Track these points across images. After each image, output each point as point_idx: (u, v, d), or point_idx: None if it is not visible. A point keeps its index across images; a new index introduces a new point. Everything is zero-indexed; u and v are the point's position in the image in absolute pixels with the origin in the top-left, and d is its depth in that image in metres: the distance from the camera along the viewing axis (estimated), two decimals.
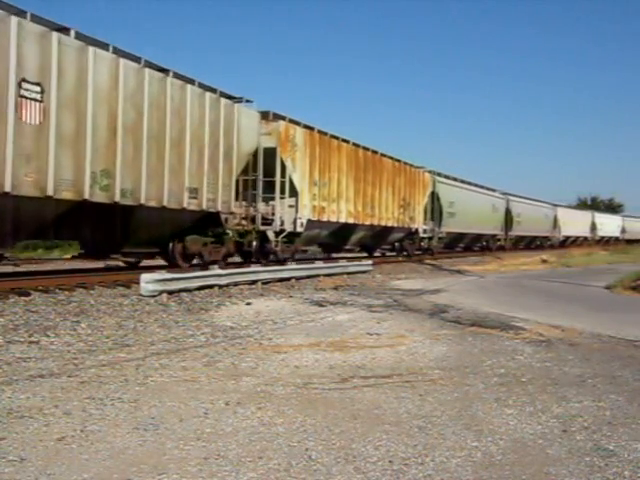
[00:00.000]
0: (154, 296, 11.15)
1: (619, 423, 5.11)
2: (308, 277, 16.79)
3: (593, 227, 62.44)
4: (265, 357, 7.34)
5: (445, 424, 4.98)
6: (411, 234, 28.24)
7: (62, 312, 9.28)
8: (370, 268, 20.63)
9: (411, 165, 28.10)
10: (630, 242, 68.35)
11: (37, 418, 4.79)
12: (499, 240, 42.00)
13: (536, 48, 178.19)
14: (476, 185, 38.35)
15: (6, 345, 7.28)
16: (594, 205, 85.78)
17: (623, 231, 72.19)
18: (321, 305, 12.36)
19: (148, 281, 11.25)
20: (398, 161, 26.45)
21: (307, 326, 9.85)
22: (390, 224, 25.45)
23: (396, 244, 28.66)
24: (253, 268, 15.06)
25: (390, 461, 4.15)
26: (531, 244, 49.84)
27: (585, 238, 60.00)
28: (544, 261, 32.20)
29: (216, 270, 13.51)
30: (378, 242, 27.66)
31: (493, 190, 41.95)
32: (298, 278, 16.23)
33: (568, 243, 55.66)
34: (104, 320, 9.12)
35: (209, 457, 4.13)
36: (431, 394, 5.85)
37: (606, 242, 65.31)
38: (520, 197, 44.71)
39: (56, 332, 8.12)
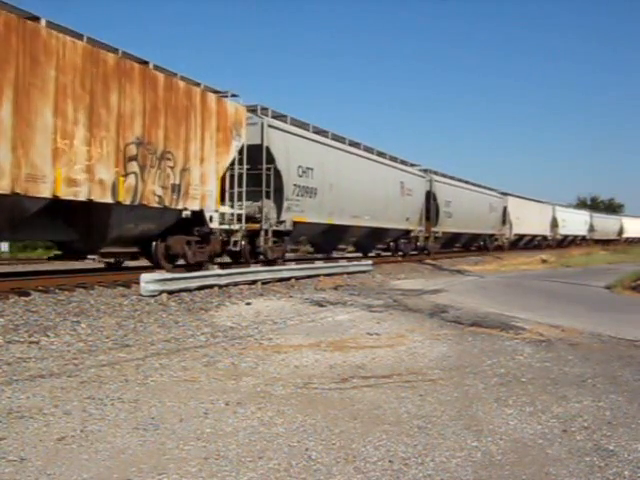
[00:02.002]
0: (154, 296, 11.14)
1: (619, 423, 5.10)
2: (308, 277, 16.79)
3: (554, 224, 52.01)
4: (265, 357, 7.34)
5: (445, 424, 4.98)
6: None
7: (62, 312, 9.28)
8: (370, 268, 20.63)
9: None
10: (599, 242, 59.81)
11: (37, 418, 4.79)
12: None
13: (536, 48, 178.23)
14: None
15: (6, 345, 7.28)
16: (594, 205, 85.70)
17: (591, 229, 61.79)
18: (321, 305, 12.36)
19: (148, 281, 11.25)
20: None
21: (307, 326, 9.85)
22: None
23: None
24: (253, 268, 15.05)
25: (390, 461, 4.15)
26: (469, 244, 39.09)
27: (544, 237, 50.06)
28: (544, 261, 32.31)
29: (216, 270, 13.51)
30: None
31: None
32: (298, 278, 16.22)
33: (522, 244, 45.80)
34: (104, 320, 9.12)
35: (209, 457, 4.13)
36: (431, 394, 5.85)
37: (570, 242, 56.46)
38: (448, 177, 33.34)
39: (56, 332, 8.12)
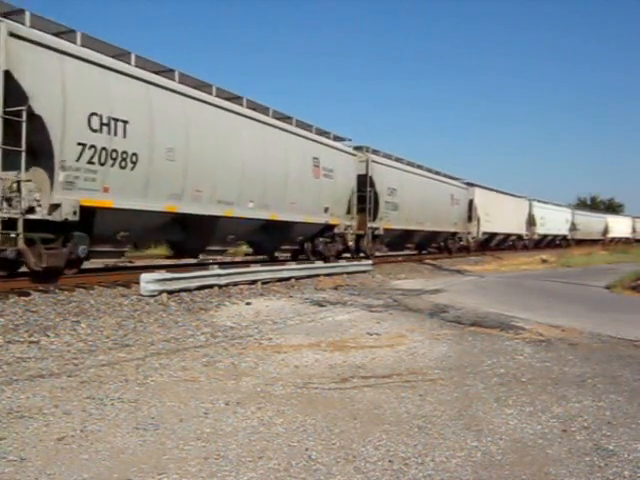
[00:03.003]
0: (154, 296, 11.14)
1: (619, 423, 5.10)
2: (308, 277, 16.79)
3: (531, 221, 45.52)
4: (265, 357, 7.34)
5: (445, 424, 4.98)
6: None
7: (62, 312, 9.27)
8: (370, 268, 20.62)
9: None
10: (582, 243, 54.01)
11: (37, 418, 4.79)
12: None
13: (536, 49, 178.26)
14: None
15: (6, 345, 7.28)
16: (594, 205, 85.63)
17: (573, 228, 55.21)
18: (321, 305, 12.36)
19: (148, 281, 11.25)
20: None
21: (307, 326, 9.85)
22: None
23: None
24: (253, 268, 15.04)
25: (390, 461, 4.15)
26: (426, 245, 32.29)
27: (519, 237, 43.95)
28: (544, 261, 32.29)
29: (215, 270, 13.50)
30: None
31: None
32: (298, 278, 16.22)
33: (493, 245, 39.42)
34: (104, 320, 9.12)
35: (209, 457, 4.13)
36: (431, 394, 5.85)
37: (549, 243, 50.65)
38: (393, 159, 25.99)
39: (56, 332, 8.12)
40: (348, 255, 22.82)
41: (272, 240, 18.66)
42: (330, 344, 8.25)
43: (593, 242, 57.90)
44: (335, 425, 4.87)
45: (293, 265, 17.16)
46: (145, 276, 11.36)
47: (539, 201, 48.06)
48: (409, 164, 27.72)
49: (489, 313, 11.75)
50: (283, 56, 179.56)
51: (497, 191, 39.79)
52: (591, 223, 61.69)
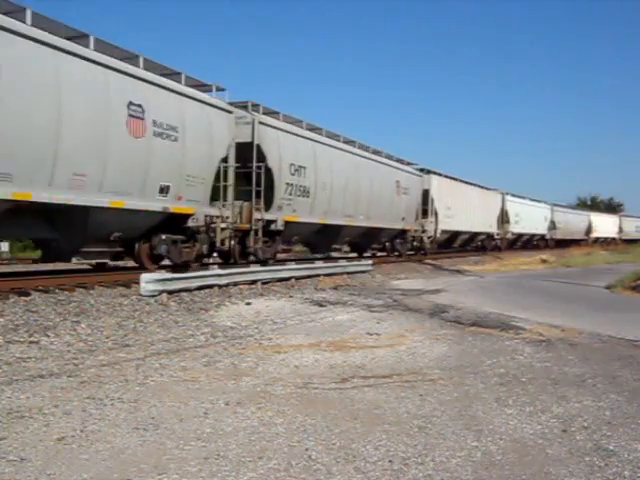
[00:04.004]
0: (154, 296, 11.14)
1: (619, 423, 5.10)
2: (308, 277, 16.79)
3: (504, 218, 39.19)
4: (265, 357, 7.34)
5: (445, 424, 4.98)
6: None
7: (62, 312, 9.27)
8: (370, 268, 20.62)
9: None
10: (562, 244, 48.95)
11: (37, 418, 4.79)
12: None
13: (536, 50, 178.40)
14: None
15: (6, 345, 7.28)
16: (594, 205, 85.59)
17: (552, 227, 49.06)
18: (321, 305, 12.36)
19: (148, 281, 11.25)
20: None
21: (307, 326, 9.85)
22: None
23: None
24: (253, 268, 15.05)
25: (390, 461, 4.15)
26: (364, 245, 25.29)
27: (489, 236, 37.50)
28: (544, 261, 32.29)
29: (216, 270, 13.51)
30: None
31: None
32: (298, 278, 16.22)
33: (456, 245, 34.00)
34: (104, 320, 9.12)
35: (209, 457, 4.13)
36: (431, 394, 5.85)
37: (525, 243, 45.42)
38: (297, 125, 18.98)
39: (56, 332, 8.12)
40: (210, 261, 17.17)
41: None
42: (330, 344, 8.25)
43: (575, 243, 52.48)
44: (335, 425, 4.87)
45: (293, 265, 17.17)
46: (145, 276, 11.36)
47: (514, 195, 42.26)
48: (330, 136, 20.43)
49: (489, 313, 11.75)
50: (282, 58, 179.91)
51: (461, 181, 33.01)
52: (573, 221, 54.85)
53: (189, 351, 7.56)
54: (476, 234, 35.57)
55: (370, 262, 21.17)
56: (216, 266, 14.13)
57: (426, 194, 28.41)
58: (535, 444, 4.58)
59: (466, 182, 33.84)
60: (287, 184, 17.39)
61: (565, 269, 28.55)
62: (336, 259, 21.33)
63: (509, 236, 40.86)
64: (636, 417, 5.28)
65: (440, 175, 30.14)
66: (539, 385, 6.33)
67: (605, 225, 63.27)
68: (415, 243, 28.25)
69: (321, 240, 21.47)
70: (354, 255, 25.54)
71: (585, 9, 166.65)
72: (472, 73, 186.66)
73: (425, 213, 28.44)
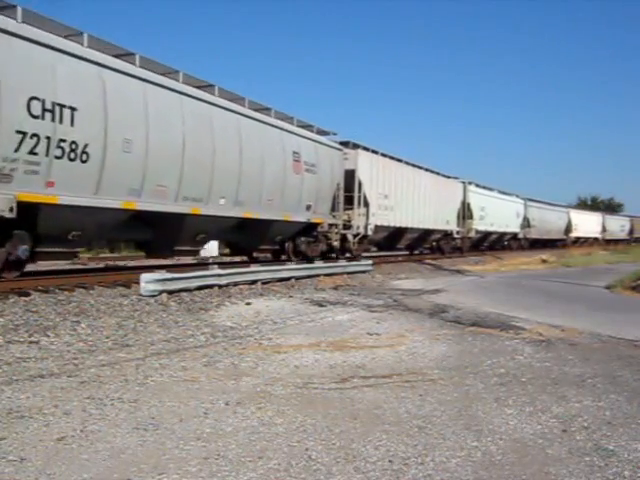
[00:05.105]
0: (154, 296, 11.14)
1: (619, 423, 5.10)
2: (308, 277, 16.78)
3: (465, 213, 32.61)
4: (265, 357, 7.34)
5: (445, 424, 4.98)
6: None
7: (62, 312, 9.27)
8: (370, 268, 20.60)
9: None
10: (538, 245, 44.85)
11: (37, 418, 4.79)
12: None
13: (536, 50, 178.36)
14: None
15: (6, 345, 7.28)
16: (594, 205, 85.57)
17: (526, 224, 43.27)
18: (321, 305, 12.36)
19: (148, 281, 11.24)
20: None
21: (307, 326, 9.85)
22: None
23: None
24: (253, 268, 15.04)
25: (390, 461, 4.15)
26: (248, 246, 17.73)
27: (447, 235, 31.30)
28: (544, 261, 32.27)
29: (216, 270, 13.51)
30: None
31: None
32: (298, 278, 16.22)
33: (401, 246, 27.42)
34: (104, 320, 9.12)
35: (209, 457, 4.13)
36: (431, 394, 5.85)
37: (492, 244, 39.10)
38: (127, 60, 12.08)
39: (56, 332, 8.12)
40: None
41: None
42: (330, 344, 8.25)
43: (551, 243, 47.99)
44: (335, 425, 4.87)
45: (293, 265, 17.17)
46: (145, 276, 11.36)
47: (478, 185, 35.64)
48: (162, 72, 13.15)
49: (489, 313, 11.75)
50: (284, 59, 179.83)
51: (406, 163, 26.07)
52: (549, 218, 48.14)
53: (189, 351, 7.56)
54: (428, 232, 28.73)
55: (370, 262, 21.15)
56: (216, 266, 14.12)
57: (351, 176, 21.29)
58: (535, 444, 4.58)
59: (413, 165, 26.83)
60: (19, 132, 9.53)
61: (565, 269, 28.54)
62: (336, 259, 21.12)
63: (472, 235, 33.81)
64: (636, 417, 5.28)
65: (372, 151, 22.88)
66: (539, 385, 6.33)
67: (586, 224, 57.04)
68: (334, 243, 20.56)
69: (158, 241, 13.89)
70: (237, 260, 19.15)
71: (585, 9, 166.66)
72: (472, 73, 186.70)
73: (350, 202, 21.42)
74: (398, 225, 24.88)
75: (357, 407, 5.39)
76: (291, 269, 16.43)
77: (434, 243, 31.18)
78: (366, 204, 21.99)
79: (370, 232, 22.25)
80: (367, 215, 22.02)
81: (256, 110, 16.59)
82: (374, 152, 23.28)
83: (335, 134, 21.50)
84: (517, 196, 43.03)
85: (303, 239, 19.47)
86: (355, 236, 21.82)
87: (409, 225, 25.93)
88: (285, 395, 5.71)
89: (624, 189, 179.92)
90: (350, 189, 21.53)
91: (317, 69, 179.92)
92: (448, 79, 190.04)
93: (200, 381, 6.12)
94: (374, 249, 26.08)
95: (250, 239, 17.24)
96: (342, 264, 19.46)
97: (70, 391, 5.57)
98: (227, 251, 20.44)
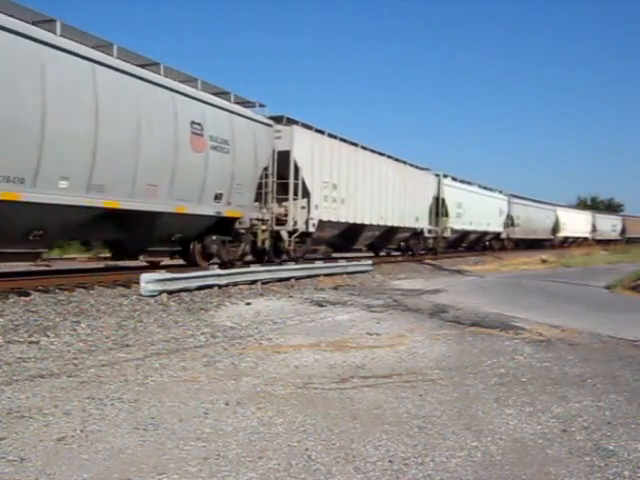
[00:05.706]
0: (154, 296, 11.14)
1: (619, 423, 5.10)
2: (308, 277, 16.78)
3: (439, 209, 29.29)
4: (265, 357, 7.34)
5: (445, 424, 4.98)
6: None
7: (62, 312, 9.27)
8: (370, 268, 20.60)
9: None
10: (522, 245, 42.52)
11: (37, 418, 4.79)
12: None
13: (536, 50, 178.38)
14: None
15: (6, 345, 7.28)
16: (594, 205, 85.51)
17: (509, 224, 39.86)
18: (321, 305, 12.35)
19: (148, 281, 11.24)
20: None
21: (307, 326, 9.85)
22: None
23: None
24: (253, 268, 15.05)
25: (390, 461, 4.15)
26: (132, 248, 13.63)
27: (417, 234, 27.47)
28: (544, 261, 32.27)
29: (215, 270, 13.50)
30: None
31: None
32: (298, 278, 16.22)
33: (361, 245, 23.13)
34: (104, 320, 9.12)
35: (209, 457, 4.12)
36: (431, 394, 5.85)
37: (472, 244, 36.41)
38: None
39: (56, 332, 8.12)
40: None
41: None
42: (330, 344, 8.25)
43: (537, 244, 44.87)
44: (335, 425, 4.87)
45: (293, 265, 17.17)
46: (145, 276, 11.36)
47: (455, 179, 31.96)
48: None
49: (489, 313, 11.75)
50: (284, 58, 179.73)
51: (363, 148, 22.00)
52: (535, 217, 44.64)
53: (189, 351, 7.56)
54: (393, 230, 24.77)
55: (370, 262, 21.14)
56: (216, 266, 14.12)
57: (286, 160, 17.30)
58: (535, 444, 4.58)
59: (372, 150, 22.69)
60: None
61: (565, 269, 28.54)
62: (335, 259, 21.10)
63: (448, 234, 30.24)
64: (636, 417, 5.28)
65: (315, 130, 18.71)
66: (539, 385, 6.33)
67: (575, 223, 53.95)
68: (265, 244, 16.83)
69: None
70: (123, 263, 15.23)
71: (585, 9, 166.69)
72: (472, 73, 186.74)
73: (285, 191, 17.60)
74: (352, 221, 20.95)
75: (357, 407, 5.39)
76: (291, 269, 16.43)
77: (402, 243, 27.27)
78: (306, 194, 17.86)
79: (312, 229, 18.10)
80: (308, 208, 17.94)
81: (129, 62, 12.01)
82: (318, 132, 18.96)
83: (263, 106, 16.75)
84: (500, 192, 39.41)
85: (215, 238, 15.18)
86: (291, 234, 17.64)
87: (367, 222, 22.07)
88: (285, 395, 5.71)
89: (624, 189, 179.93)
90: (284, 176, 17.38)
91: (317, 69, 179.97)
92: (448, 79, 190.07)
93: (200, 381, 6.12)
94: (327, 249, 21.64)
95: (131, 238, 13.11)
96: (342, 264, 19.45)
97: (70, 391, 5.57)
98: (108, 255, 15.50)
